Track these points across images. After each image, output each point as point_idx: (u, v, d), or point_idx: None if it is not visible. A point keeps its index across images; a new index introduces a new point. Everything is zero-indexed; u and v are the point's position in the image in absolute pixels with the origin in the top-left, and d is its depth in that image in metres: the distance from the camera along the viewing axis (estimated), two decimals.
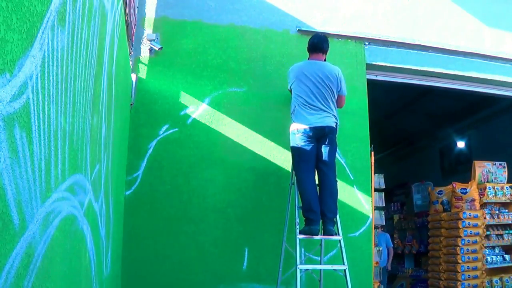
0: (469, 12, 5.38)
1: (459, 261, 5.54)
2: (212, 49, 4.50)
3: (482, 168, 6.31)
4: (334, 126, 3.84)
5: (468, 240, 5.62)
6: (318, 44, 4.00)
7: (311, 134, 3.73)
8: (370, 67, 4.90)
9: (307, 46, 4.09)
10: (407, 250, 7.47)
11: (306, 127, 3.74)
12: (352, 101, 4.59)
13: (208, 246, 4.07)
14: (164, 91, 4.30)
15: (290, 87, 3.98)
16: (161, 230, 4.03)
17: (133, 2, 3.91)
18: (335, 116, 3.88)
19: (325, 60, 4.05)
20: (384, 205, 5.53)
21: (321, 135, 3.77)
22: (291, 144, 3.87)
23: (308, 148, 3.74)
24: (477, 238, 5.68)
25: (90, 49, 1.94)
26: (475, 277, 5.58)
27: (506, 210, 6.20)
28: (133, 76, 4.23)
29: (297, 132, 3.78)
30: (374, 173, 4.83)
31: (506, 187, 6.19)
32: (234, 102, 4.42)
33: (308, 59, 4.07)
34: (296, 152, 3.82)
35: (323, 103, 3.82)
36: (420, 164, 10.03)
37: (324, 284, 3.94)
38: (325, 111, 3.81)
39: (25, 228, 1.17)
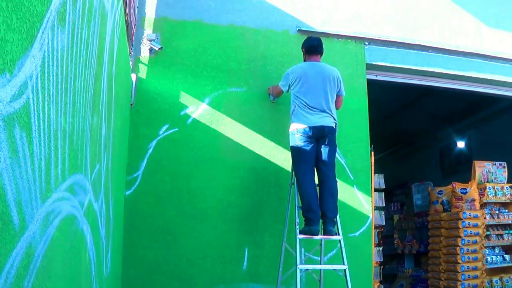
0: (469, 12, 5.38)
1: (459, 261, 5.54)
2: (212, 49, 4.50)
3: (482, 168, 6.30)
4: (334, 127, 3.88)
5: (468, 240, 5.61)
6: (318, 47, 4.07)
7: (310, 134, 3.75)
8: (370, 67, 4.90)
9: (303, 47, 4.12)
10: (407, 250, 7.45)
11: (306, 126, 3.76)
12: (352, 101, 4.59)
13: (208, 246, 4.07)
14: (164, 91, 4.30)
15: (289, 88, 4.00)
16: (161, 230, 4.03)
17: (133, 2, 3.91)
18: (334, 117, 3.91)
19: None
20: (384, 205, 5.52)
21: (320, 135, 3.79)
22: (291, 144, 3.88)
23: (307, 148, 3.75)
24: (477, 238, 5.68)
25: (90, 49, 1.94)
26: (475, 277, 5.57)
27: (506, 210, 6.20)
28: (133, 76, 4.23)
29: (297, 132, 3.79)
30: (374, 173, 4.83)
31: (506, 187, 6.18)
32: (234, 102, 4.42)
33: (306, 60, 4.11)
34: (296, 152, 3.83)
35: (323, 104, 3.86)
36: (420, 164, 10.02)
37: (324, 284, 3.93)
38: (325, 111, 3.84)
39: (25, 228, 1.17)
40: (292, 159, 3.96)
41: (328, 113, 3.86)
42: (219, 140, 4.31)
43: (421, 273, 6.85)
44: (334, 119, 3.91)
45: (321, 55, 4.10)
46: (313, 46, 4.07)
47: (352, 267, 3.73)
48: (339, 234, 3.71)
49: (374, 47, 4.95)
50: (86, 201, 2.03)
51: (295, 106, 3.90)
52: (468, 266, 5.56)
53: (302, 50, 4.15)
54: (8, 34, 1.01)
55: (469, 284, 5.50)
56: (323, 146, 3.80)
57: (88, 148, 2.03)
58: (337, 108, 4.05)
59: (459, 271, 5.52)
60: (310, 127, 3.75)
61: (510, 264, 5.99)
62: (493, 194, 6.10)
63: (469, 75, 5.21)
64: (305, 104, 3.83)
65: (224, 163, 4.26)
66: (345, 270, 3.55)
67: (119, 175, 3.60)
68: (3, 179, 1.01)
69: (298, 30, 4.74)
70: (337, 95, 4.01)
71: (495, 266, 5.89)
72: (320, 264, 3.98)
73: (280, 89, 4.15)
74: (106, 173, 2.74)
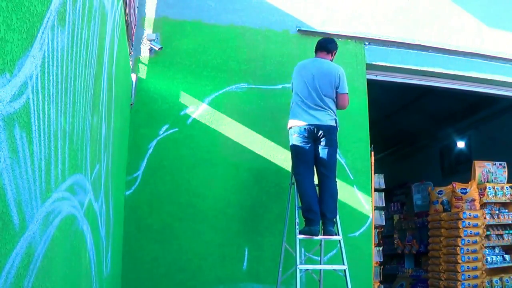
0: (469, 12, 5.38)
1: (459, 261, 5.53)
2: (212, 49, 4.50)
3: (482, 168, 6.30)
4: (334, 124, 3.79)
5: (468, 240, 5.61)
6: (322, 43, 4.05)
7: (306, 134, 3.71)
8: (370, 67, 4.90)
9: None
10: (407, 250, 7.44)
11: (302, 124, 3.72)
12: (352, 101, 4.56)
13: (208, 246, 4.07)
14: (164, 91, 4.31)
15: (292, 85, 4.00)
16: (161, 230, 4.03)
17: (133, 2, 3.91)
18: (334, 114, 3.82)
19: (331, 60, 4.04)
20: (384, 205, 5.52)
21: (318, 134, 3.73)
22: (290, 143, 3.86)
23: (306, 147, 3.72)
24: (477, 238, 5.67)
25: (90, 49, 1.94)
26: (475, 277, 5.57)
27: (506, 210, 6.20)
28: (133, 76, 4.23)
29: (293, 132, 3.77)
30: (374, 173, 4.83)
31: (506, 187, 6.18)
32: (234, 102, 4.42)
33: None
34: (294, 153, 3.82)
35: (320, 100, 3.77)
36: (420, 164, 10.02)
37: (324, 284, 3.93)
38: (322, 108, 3.76)
39: (25, 228, 1.17)
40: (291, 159, 3.95)
41: (326, 110, 3.76)
42: (219, 140, 4.31)
43: (421, 273, 6.85)
44: (333, 117, 3.81)
45: (329, 53, 4.01)
46: (318, 43, 4.07)
47: (352, 267, 3.73)
48: (339, 234, 3.70)
49: (374, 47, 4.95)
50: (86, 201, 2.03)
51: (293, 103, 3.88)
52: (468, 266, 5.55)
53: None
54: (8, 34, 1.01)
55: (469, 284, 5.50)
56: (321, 146, 3.74)
57: (88, 148, 2.03)
58: (340, 107, 3.91)
59: (459, 271, 5.52)
60: (305, 127, 3.70)
61: (510, 264, 5.99)
62: (493, 194, 6.10)
63: (469, 75, 5.21)
64: (302, 101, 3.78)
65: (224, 163, 4.26)
66: (345, 270, 3.54)
67: (119, 175, 3.60)
68: (3, 179, 1.01)
69: (298, 30, 4.74)
70: (337, 93, 3.86)
71: (495, 266, 5.88)
72: (320, 264, 3.98)
73: None
74: (106, 173, 2.74)
